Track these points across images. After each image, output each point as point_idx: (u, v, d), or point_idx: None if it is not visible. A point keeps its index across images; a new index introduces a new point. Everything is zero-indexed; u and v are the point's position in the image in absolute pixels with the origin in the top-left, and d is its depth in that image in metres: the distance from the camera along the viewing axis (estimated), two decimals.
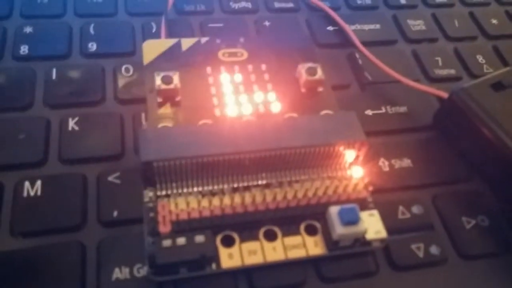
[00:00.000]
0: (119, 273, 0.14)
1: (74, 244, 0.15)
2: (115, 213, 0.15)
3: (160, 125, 0.16)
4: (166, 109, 0.17)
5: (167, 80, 0.17)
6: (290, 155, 0.16)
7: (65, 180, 0.16)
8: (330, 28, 0.23)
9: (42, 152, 0.16)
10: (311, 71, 0.18)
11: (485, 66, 0.22)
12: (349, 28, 0.22)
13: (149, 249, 0.14)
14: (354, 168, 0.17)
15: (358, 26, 0.23)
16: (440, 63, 0.22)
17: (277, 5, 0.23)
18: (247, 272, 0.15)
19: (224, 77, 0.18)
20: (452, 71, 0.22)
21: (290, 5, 0.23)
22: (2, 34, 0.20)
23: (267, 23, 0.22)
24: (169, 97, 0.17)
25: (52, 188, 0.16)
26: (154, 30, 0.21)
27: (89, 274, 0.14)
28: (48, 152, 0.17)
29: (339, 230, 0.14)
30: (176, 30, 0.21)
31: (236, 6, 0.23)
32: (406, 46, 0.23)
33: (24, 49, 0.19)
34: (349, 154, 0.16)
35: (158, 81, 0.17)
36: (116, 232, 0.15)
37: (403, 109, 0.20)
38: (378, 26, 0.23)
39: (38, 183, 0.16)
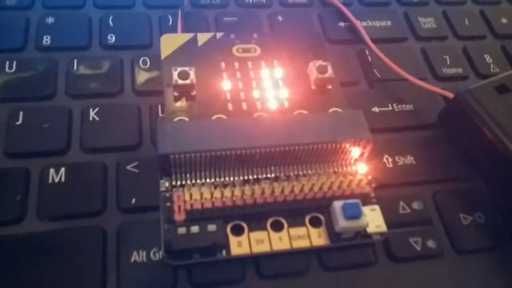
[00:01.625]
0: (137, 256, 0.15)
1: (96, 228, 0.16)
2: (133, 200, 0.16)
3: (176, 119, 0.17)
4: (182, 103, 0.18)
5: (183, 75, 0.18)
6: (299, 151, 0.16)
7: (87, 168, 0.17)
8: (341, 24, 0.23)
9: (65, 141, 0.17)
10: (322, 69, 0.19)
11: (492, 65, 0.23)
12: (360, 24, 0.23)
13: (165, 235, 0.15)
14: (359, 164, 0.17)
15: (369, 23, 0.23)
16: (448, 62, 0.22)
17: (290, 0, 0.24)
18: (254, 259, 0.16)
19: (238, 72, 0.19)
20: (460, 70, 0.22)
21: (303, 0, 0.24)
22: (25, 24, 0.21)
23: (280, 18, 0.23)
24: (185, 91, 0.18)
25: (75, 175, 0.17)
26: (170, 23, 0.22)
27: (109, 257, 0.15)
28: (70, 141, 0.18)
29: (342, 223, 0.15)
30: (191, 23, 0.22)
31: (250, 0, 0.23)
32: (416, 44, 0.23)
33: (46, 40, 0.20)
34: (355, 151, 0.17)
35: (175, 76, 0.17)
36: (134, 218, 0.16)
37: (409, 107, 0.21)
38: (389, 23, 0.24)
39: (62, 170, 0.17)
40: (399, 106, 0.20)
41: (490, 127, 0.18)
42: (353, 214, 0.15)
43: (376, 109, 0.20)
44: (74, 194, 0.16)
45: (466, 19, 0.25)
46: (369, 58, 0.22)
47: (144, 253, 0.15)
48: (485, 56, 0.23)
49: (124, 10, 0.22)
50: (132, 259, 0.15)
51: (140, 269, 0.15)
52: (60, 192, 0.16)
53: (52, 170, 0.17)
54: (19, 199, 0.16)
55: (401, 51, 0.23)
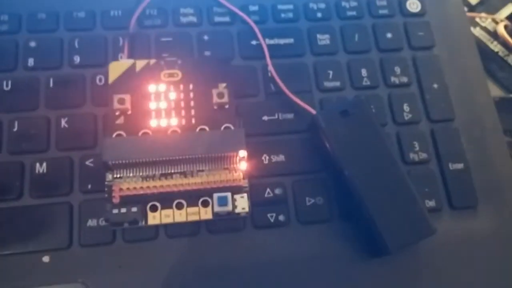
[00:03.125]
0: (91, 222, 0.25)
1: (66, 203, 0.25)
2: (89, 186, 0.26)
3: (115, 133, 0.26)
4: (121, 121, 0.26)
5: (121, 101, 0.26)
6: (198, 158, 0.25)
7: (60, 163, 0.26)
8: (253, 42, 0.30)
9: (45, 141, 0.26)
10: (220, 95, 0.27)
11: (365, 79, 0.30)
12: (264, 43, 0.29)
13: (105, 213, 0.24)
14: (242, 162, 0.26)
15: (276, 41, 0.30)
16: (330, 76, 0.30)
17: (216, 19, 0.30)
18: (164, 227, 0.26)
19: (162, 95, 0.27)
20: (338, 84, 0.30)
21: (227, 19, 0.31)
22: (15, 47, 0.28)
23: (206, 37, 0.30)
24: (122, 112, 0.26)
25: (52, 168, 0.26)
26: (121, 44, 0.29)
27: (74, 222, 0.25)
28: (49, 143, 0.26)
29: (216, 208, 0.25)
30: (136, 43, 0.29)
31: (184, 20, 0.30)
32: (311, 59, 0.30)
33: (31, 62, 0.28)
34: (237, 156, 0.26)
35: (115, 102, 0.26)
36: (90, 197, 0.26)
37: (290, 116, 0.28)
38: (292, 40, 0.30)
39: (44, 164, 0.26)
40: (283, 115, 0.28)
41: (330, 141, 0.26)
42: (223, 203, 0.25)
43: (265, 118, 0.28)
44: (52, 181, 0.26)
45: (356, 35, 0.31)
46: (269, 74, 0.29)
47: (95, 221, 0.25)
48: (362, 70, 0.30)
49: (87, 32, 0.29)
50: (88, 224, 0.25)
51: (93, 230, 0.25)
52: (44, 179, 0.26)
53: (38, 164, 0.26)
54: (18, 184, 0.25)
55: (296, 66, 0.30)
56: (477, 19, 0.40)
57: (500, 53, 0.39)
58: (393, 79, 0.30)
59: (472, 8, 0.41)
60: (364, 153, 0.26)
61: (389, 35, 0.31)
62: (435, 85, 0.31)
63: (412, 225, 0.25)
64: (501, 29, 0.38)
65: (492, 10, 0.41)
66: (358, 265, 0.26)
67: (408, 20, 0.32)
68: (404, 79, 0.30)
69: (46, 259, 0.24)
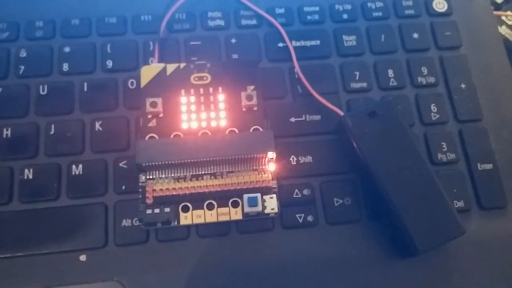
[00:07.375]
0: (125, 222, 0.26)
1: (101, 204, 0.26)
2: (124, 187, 0.27)
3: (148, 136, 0.26)
4: (153, 123, 0.27)
5: (153, 105, 0.26)
6: (228, 160, 0.26)
7: (95, 164, 0.27)
8: (280, 44, 0.30)
9: (80, 144, 0.27)
10: (249, 98, 0.27)
11: (392, 79, 0.30)
12: (291, 45, 0.30)
13: (139, 213, 0.25)
14: (270, 163, 0.27)
15: (303, 42, 0.31)
16: (357, 77, 0.30)
17: (244, 22, 0.31)
18: (195, 226, 0.26)
19: (192, 98, 0.27)
20: (364, 84, 0.30)
21: (254, 22, 0.31)
22: (50, 53, 0.29)
23: (233, 41, 0.30)
24: (154, 115, 0.27)
25: (88, 169, 0.27)
26: (151, 48, 0.30)
27: (109, 222, 0.26)
28: (84, 145, 0.27)
29: (246, 209, 0.25)
30: (167, 47, 0.30)
31: (212, 24, 0.31)
32: (337, 60, 0.30)
33: (65, 67, 0.29)
34: (266, 157, 0.26)
35: (148, 105, 0.26)
36: (124, 198, 0.26)
37: (317, 117, 0.29)
38: (318, 42, 0.31)
39: (80, 166, 0.27)
40: (310, 116, 0.29)
41: (357, 142, 0.26)
42: (253, 204, 0.25)
43: (293, 119, 0.29)
44: (88, 182, 0.27)
45: (382, 36, 0.31)
46: (296, 76, 0.30)
47: (130, 221, 0.26)
48: (389, 70, 0.30)
49: (119, 37, 0.30)
50: (123, 224, 0.26)
51: (127, 230, 0.26)
52: (80, 180, 0.27)
53: (74, 166, 0.27)
54: (55, 185, 0.26)
55: (323, 67, 0.30)
56: (503, 18, 0.40)
57: None
58: (420, 79, 0.30)
59: (497, 7, 0.40)
60: (392, 154, 0.26)
61: (415, 35, 0.31)
62: (463, 85, 0.31)
63: (441, 226, 0.25)
64: None
65: None
66: (386, 265, 0.26)
67: (434, 20, 0.32)
68: (431, 79, 0.30)
69: (83, 258, 0.25)
